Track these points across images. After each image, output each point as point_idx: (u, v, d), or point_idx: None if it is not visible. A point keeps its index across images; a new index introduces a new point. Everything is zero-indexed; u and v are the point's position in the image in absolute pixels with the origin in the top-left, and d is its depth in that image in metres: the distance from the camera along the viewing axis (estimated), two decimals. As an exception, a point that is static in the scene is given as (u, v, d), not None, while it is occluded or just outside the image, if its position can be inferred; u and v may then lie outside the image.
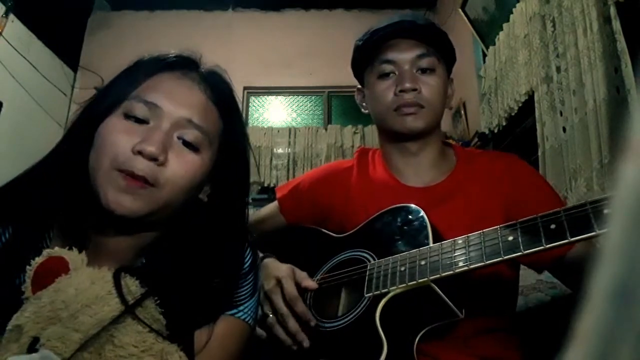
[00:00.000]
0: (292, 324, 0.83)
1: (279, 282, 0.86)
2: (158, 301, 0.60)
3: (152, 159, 0.61)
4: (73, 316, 0.53)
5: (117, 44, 3.92)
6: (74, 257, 0.59)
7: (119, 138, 0.62)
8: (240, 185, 0.74)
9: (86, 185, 0.62)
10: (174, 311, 0.60)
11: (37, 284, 0.57)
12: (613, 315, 0.15)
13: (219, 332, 0.68)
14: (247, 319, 0.72)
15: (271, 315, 0.85)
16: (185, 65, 0.71)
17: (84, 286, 0.56)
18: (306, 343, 0.83)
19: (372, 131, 3.82)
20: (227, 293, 0.70)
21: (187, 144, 0.65)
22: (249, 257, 0.74)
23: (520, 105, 2.40)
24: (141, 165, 0.60)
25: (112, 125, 0.63)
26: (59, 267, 0.58)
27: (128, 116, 0.64)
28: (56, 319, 0.54)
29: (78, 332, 0.53)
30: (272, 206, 1.14)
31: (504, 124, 2.58)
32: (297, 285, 0.86)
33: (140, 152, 0.60)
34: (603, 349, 0.15)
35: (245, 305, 0.72)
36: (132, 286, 0.59)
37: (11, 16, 3.25)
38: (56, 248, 0.60)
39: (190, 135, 0.65)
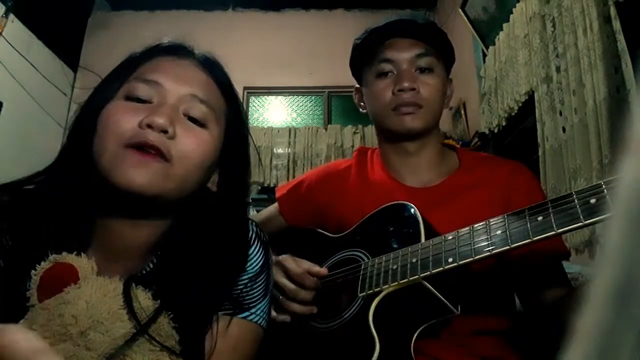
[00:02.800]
0: (304, 294, 0.85)
1: (278, 264, 0.87)
2: (172, 315, 0.57)
3: (162, 131, 0.58)
4: (84, 333, 0.50)
5: (117, 44, 3.89)
6: (82, 264, 0.56)
7: (123, 117, 0.59)
8: (245, 175, 0.72)
9: (93, 176, 0.59)
10: (187, 325, 0.58)
11: (43, 292, 0.53)
12: (613, 315, 0.15)
13: (232, 337, 0.65)
14: (259, 322, 0.69)
15: (281, 297, 0.87)
16: (180, 50, 0.69)
17: (95, 299, 0.53)
18: (315, 310, 0.86)
19: (372, 131, 3.82)
20: (229, 291, 0.67)
21: (193, 120, 0.63)
22: (261, 256, 0.70)
23: (520, 105, 2.39)
24: (152, 136, 0.57)
25: (114, 107, 0.61)
26: (67, 275, 0.54)
27: (130, 98, 0.61)
28: (66, 335, 0.50)
29: (90, 350, 0.50)
30: (272, 207, 1.14)
31: (504, 124, 2.58)
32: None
33: (149, 126, 0.57)
34: (603, 349, 0.15)
35: (258, 307, 0.69)
36: (144, 299, 0.56)
37: (11, 16, 3.26)
38: (64, 254, 0.56)
39: (197, 110, 0.63)
